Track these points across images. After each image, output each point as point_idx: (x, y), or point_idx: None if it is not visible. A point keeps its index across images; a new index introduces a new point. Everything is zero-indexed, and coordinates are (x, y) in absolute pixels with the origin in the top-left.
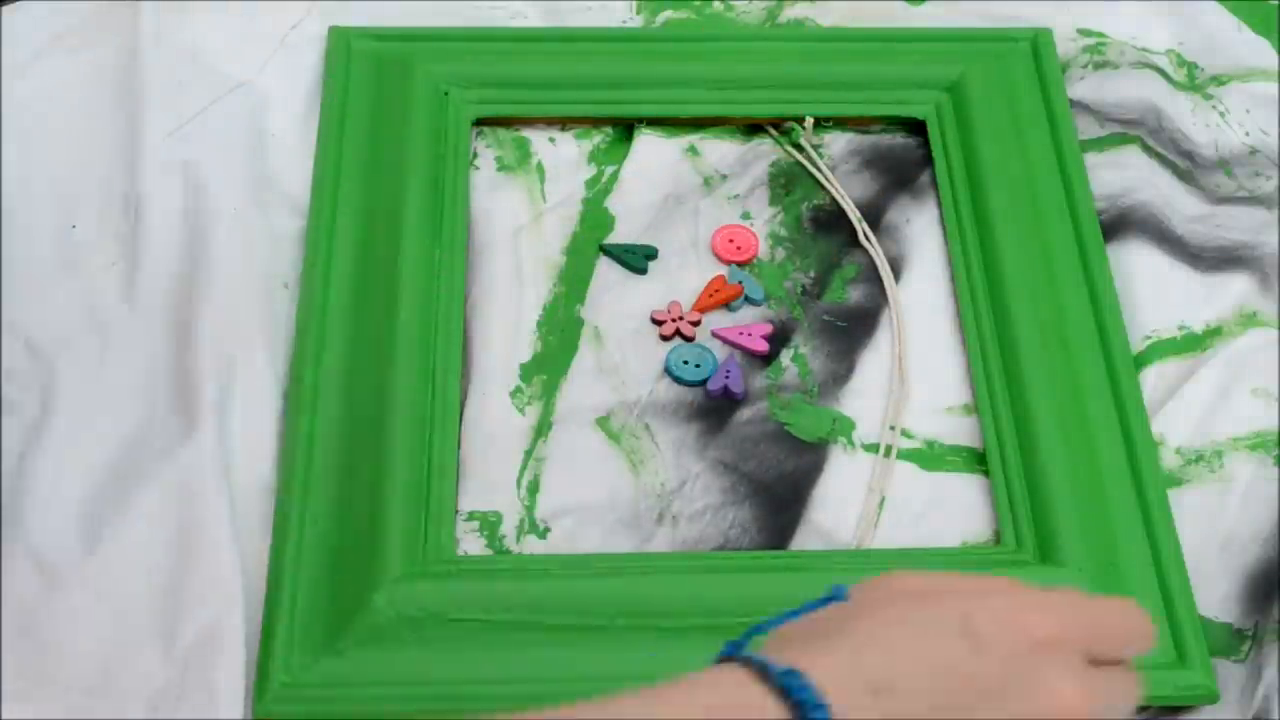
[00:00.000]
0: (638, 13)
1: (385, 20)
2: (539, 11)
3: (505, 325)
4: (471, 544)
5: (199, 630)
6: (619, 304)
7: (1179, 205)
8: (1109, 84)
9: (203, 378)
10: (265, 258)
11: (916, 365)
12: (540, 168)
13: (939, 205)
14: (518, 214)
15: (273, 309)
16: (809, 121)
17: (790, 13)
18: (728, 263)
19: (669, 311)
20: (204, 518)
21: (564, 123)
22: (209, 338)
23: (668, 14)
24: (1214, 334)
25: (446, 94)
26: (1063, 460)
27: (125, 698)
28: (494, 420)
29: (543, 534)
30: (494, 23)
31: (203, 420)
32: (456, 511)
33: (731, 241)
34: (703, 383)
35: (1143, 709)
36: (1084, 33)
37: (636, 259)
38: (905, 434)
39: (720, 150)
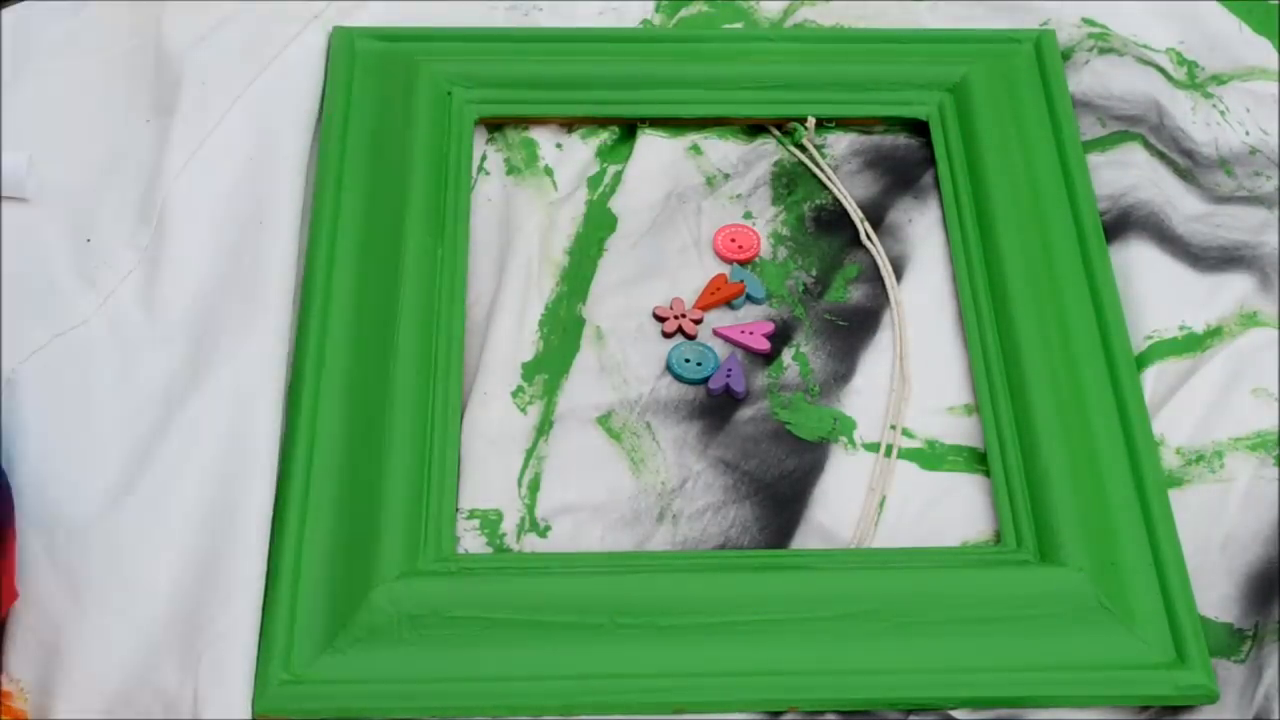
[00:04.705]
0: (657, 11)
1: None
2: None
3: (507, 324)
4: (472, 542)
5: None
6: (621, 303)
7: (1179, 204)
8: (1113, 73)
9: (212, 375)
10: (268, 258)
11: (918, 365)
12: (548, 169)
13: (941, 205)
14: (522, 214)
15: (275, 307)
16: (811, 122)
17: (809, 13)
18: (730, 262)
19: (672, 308)
20: (220, 522)
21: (567, 123)
22: (220, 340)
23: (685, 11)
24: (1214, 334)
25: (449, 94)
26: (1063, 460)
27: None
28: (495, 419)
29: (543, 532)
30: (507, 22)
31: (210, 416)
32: (457, 510)
33: (733, 240)
34: (704, 381)
35: (1143, 709)
36: (1089, 21)
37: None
38: (906, 433)
39: (723, 150)
